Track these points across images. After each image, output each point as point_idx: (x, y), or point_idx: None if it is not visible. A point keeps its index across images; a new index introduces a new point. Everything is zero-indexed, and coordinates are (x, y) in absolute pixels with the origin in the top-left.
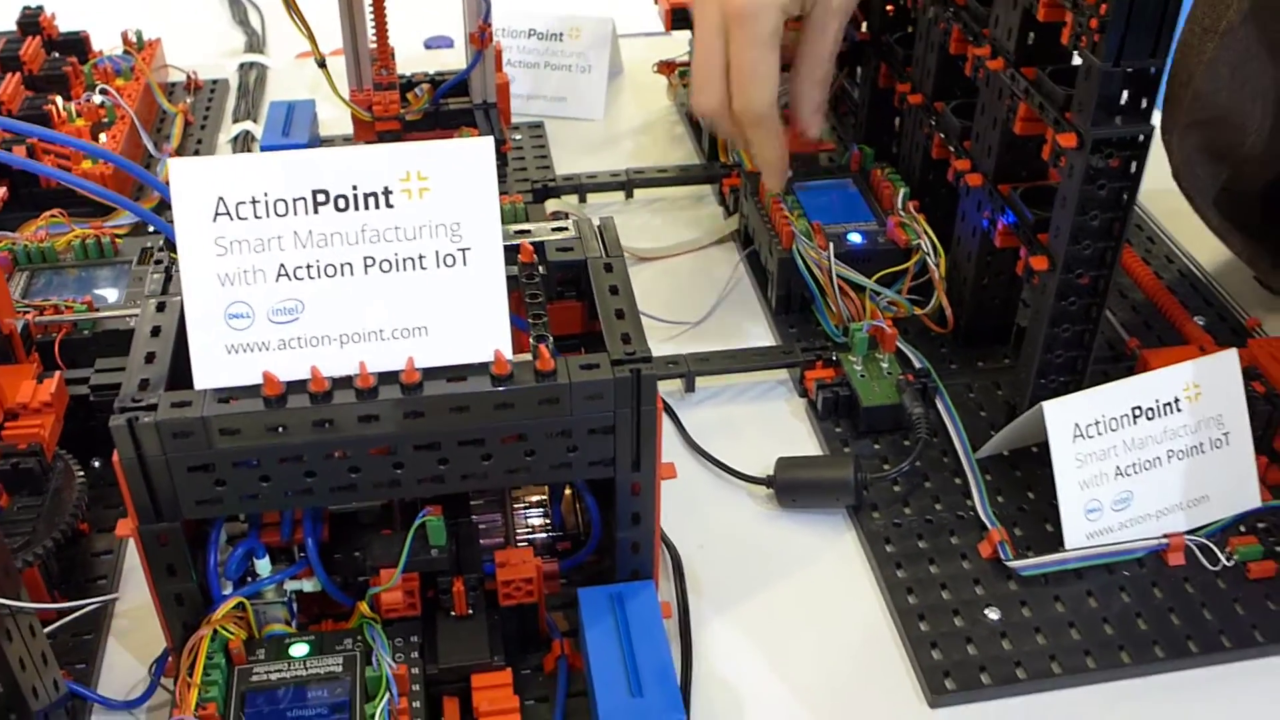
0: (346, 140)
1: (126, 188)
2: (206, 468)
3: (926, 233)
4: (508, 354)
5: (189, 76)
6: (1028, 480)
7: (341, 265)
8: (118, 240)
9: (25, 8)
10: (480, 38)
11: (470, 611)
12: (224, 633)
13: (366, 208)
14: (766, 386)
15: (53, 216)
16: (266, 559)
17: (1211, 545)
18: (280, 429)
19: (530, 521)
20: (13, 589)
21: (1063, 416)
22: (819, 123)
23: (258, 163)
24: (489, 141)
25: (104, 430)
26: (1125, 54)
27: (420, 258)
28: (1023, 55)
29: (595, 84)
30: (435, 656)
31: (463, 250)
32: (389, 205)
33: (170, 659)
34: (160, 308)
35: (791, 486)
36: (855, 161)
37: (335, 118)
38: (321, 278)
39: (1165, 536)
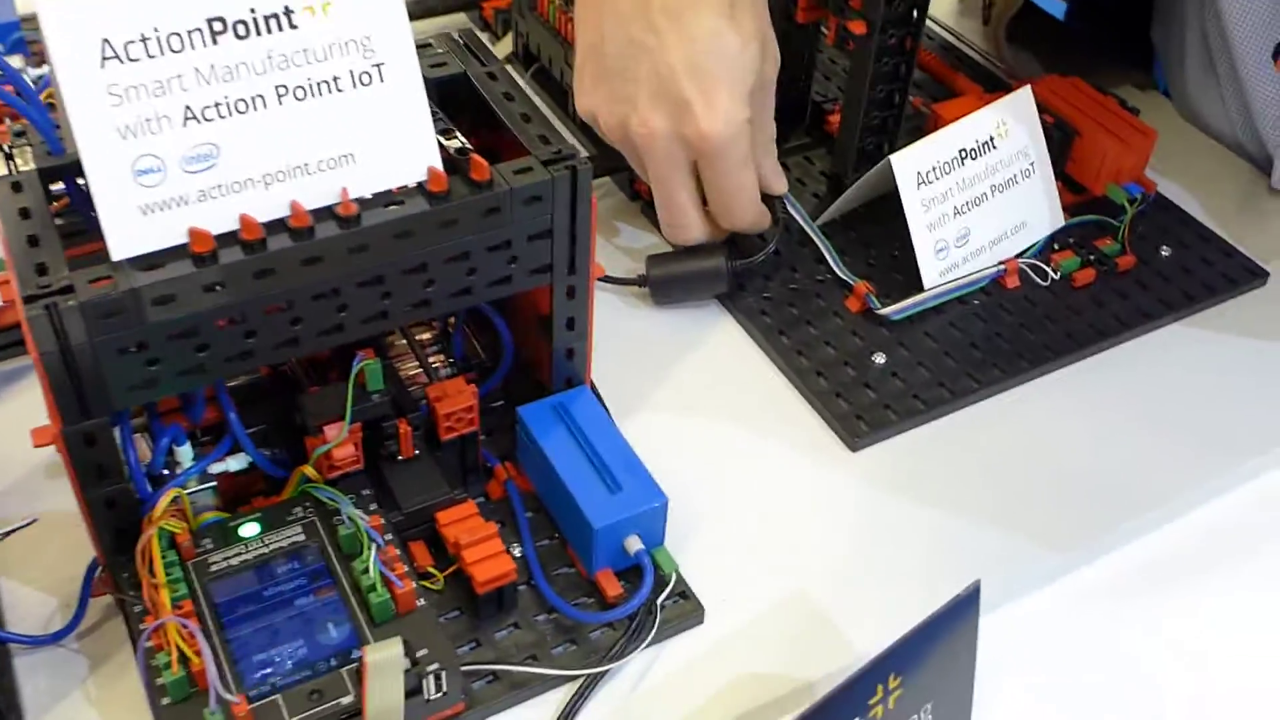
0: None
1: None
2: (139, 347)
3: None
4: (440, 169)
5: None
6: (864, 238)
7: (253, 99)
8: None
9: None
10: None
11: (416, 453)
12: (167, 528)
13: (269, 31)
14: (597, 195)
15: None
16: (188, 445)
17: (1040, 264)
18: (218, 287)
19: (431, 360)
20: None
21: (908, 167)
22: (782, 177)
23: None
24: None
25: None
26: None
27: (335, 80)
28: None
29: None
30: (395, 503)
31: (377, 66)
32: (292, 26)
33: (101, 573)
34: (17, 188)
35: (666, 282)
36: None
37: None
38: (233, 115)
39: (1001, 263)
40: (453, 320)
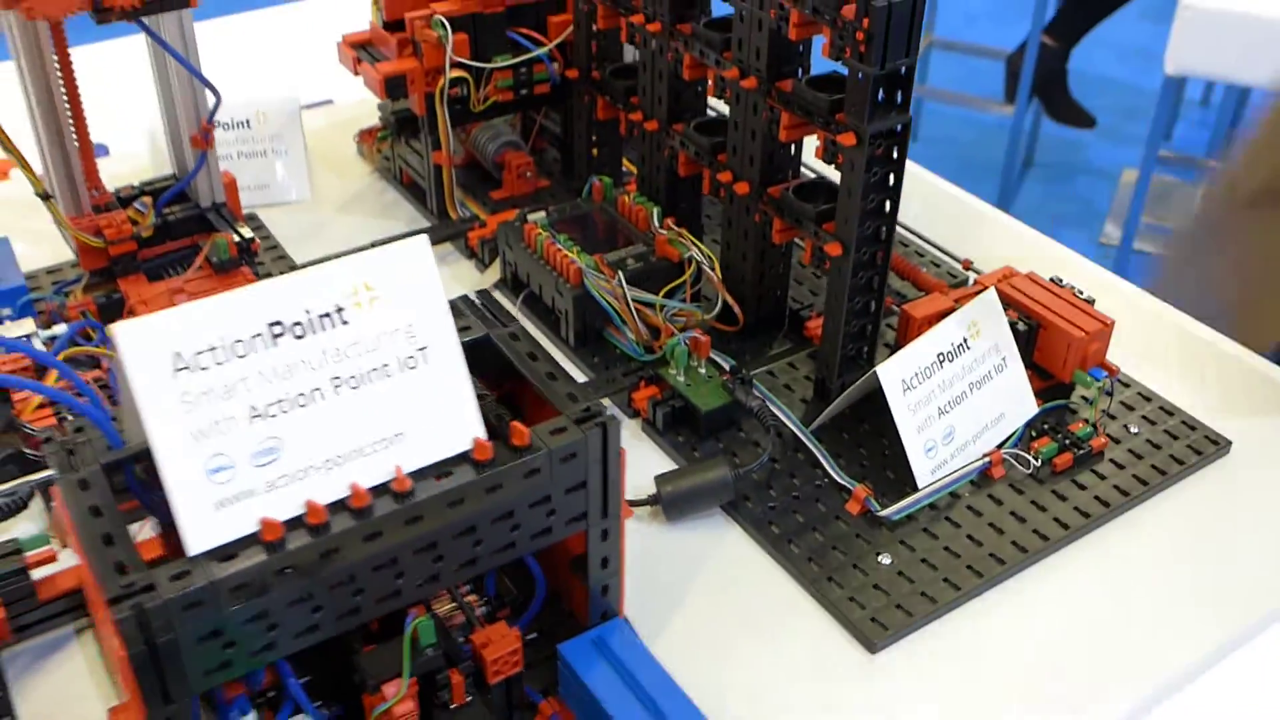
0: (51, 274)
1: None
2: (215, 633)
3: (696, 244)
4: (484, 438)
5: None
6: (855, 440)
7: (311, 392)
8: None
9: None
10: (204, 139)
11: (468, 699)
12: None
13: (324, 329)
14: None
15: None
16: (253, 714)
17: (1021, 453)
18: (288, 571)
19: (469, 599)
20: None
21: (893, 376)
22: None
23: (208, 308)
24: (424, 239)
25: None
26: (889, 58)
27: (384, 366)
28: (772, 72)
29: (295, 165)
30: None
31: (421, 350)
32: (344, 322)
33: None
34: (84, 485)
35: (678, 498)
36: (598, 192)
37: (28, 252)
38: (295, 409)
39: (985, 455)
40: None
